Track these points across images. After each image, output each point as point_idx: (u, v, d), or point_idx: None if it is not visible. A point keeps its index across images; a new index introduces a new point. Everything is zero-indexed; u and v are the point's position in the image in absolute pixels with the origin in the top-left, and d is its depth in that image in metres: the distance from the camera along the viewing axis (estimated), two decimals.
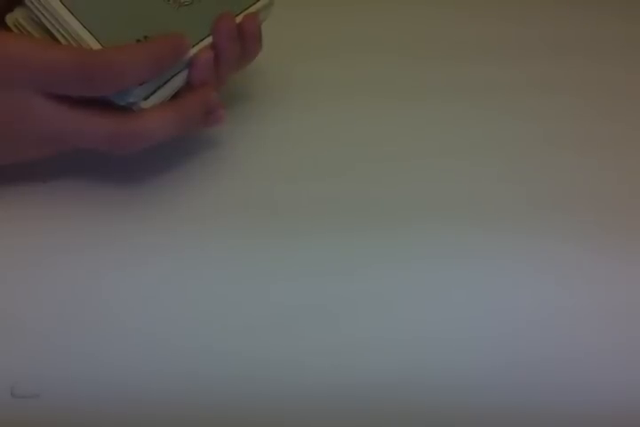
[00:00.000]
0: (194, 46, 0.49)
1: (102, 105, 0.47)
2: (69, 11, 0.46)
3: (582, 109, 0.62)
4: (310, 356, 0.45)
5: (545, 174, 0.56)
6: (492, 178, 0.56)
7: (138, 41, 0.47)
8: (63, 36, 0.46)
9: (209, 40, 0.50)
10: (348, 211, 0.53)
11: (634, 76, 0.65)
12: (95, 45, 0.46)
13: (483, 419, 0.43)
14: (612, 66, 0.66)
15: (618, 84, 0.64)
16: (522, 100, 0.62)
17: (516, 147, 0.58)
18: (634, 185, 0.56)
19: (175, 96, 0.50)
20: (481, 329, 0.47)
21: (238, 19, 0.51)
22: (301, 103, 0.60)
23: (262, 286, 0.48)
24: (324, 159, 0.56)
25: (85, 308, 0.46)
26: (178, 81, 0.49)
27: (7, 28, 0.48)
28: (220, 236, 0.50)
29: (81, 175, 0.53)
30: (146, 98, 0.48)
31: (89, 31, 0.46)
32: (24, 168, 0.50)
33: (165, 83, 0.49)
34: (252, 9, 0.52)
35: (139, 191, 0.52)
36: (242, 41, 0.51)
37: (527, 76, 0.64)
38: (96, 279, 0.48)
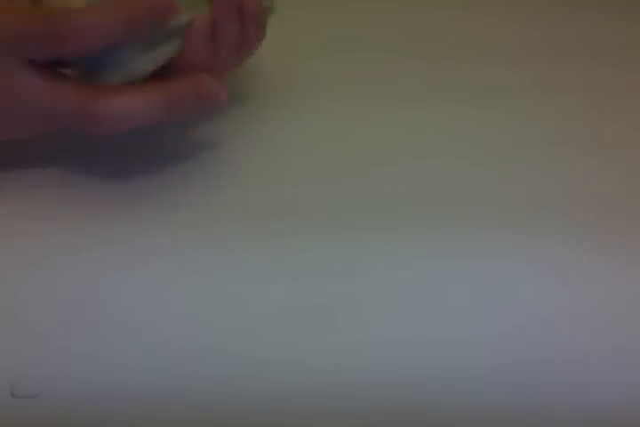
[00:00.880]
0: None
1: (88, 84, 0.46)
2: None
3: (583, 110, 0.62)
4: (311, 356, 0.45)
5: (545, 175, 0.56)
6: (492, 178, 0.56)
7: None
8: None
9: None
10: (348, 211, 0.53)
11: (635, 78, 0.65)
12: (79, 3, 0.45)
13: (482, 419, 0.43)
14: (613, 67, 0.65)
15: (619, 85, 0.64)
16: (522, 100, 0.62)
17: (516, 147, 0.58)
18: (634, 185, 0.56)
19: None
20: (481, 329, 0.47)
21: None
22: (301, 104, 0.60)
23: (263, 286, 0.48)
24: (324, 160, 0.56)
25: (86, 308, 0.46)
26: (160, 53, 0.47)
27: None
28: (220, 236, 0.50)
29: (81, 176, 0.53)
30: (118, 67, 0.46)
31: None
32: (23, 166, 0.50)
33: (145, 53, 0.46)
34: None
35: (139, 192, 0.52)
36: (242, 21, 0.49)
37: (528, 76, 0.64)
38: (96, 280, 0.48)
